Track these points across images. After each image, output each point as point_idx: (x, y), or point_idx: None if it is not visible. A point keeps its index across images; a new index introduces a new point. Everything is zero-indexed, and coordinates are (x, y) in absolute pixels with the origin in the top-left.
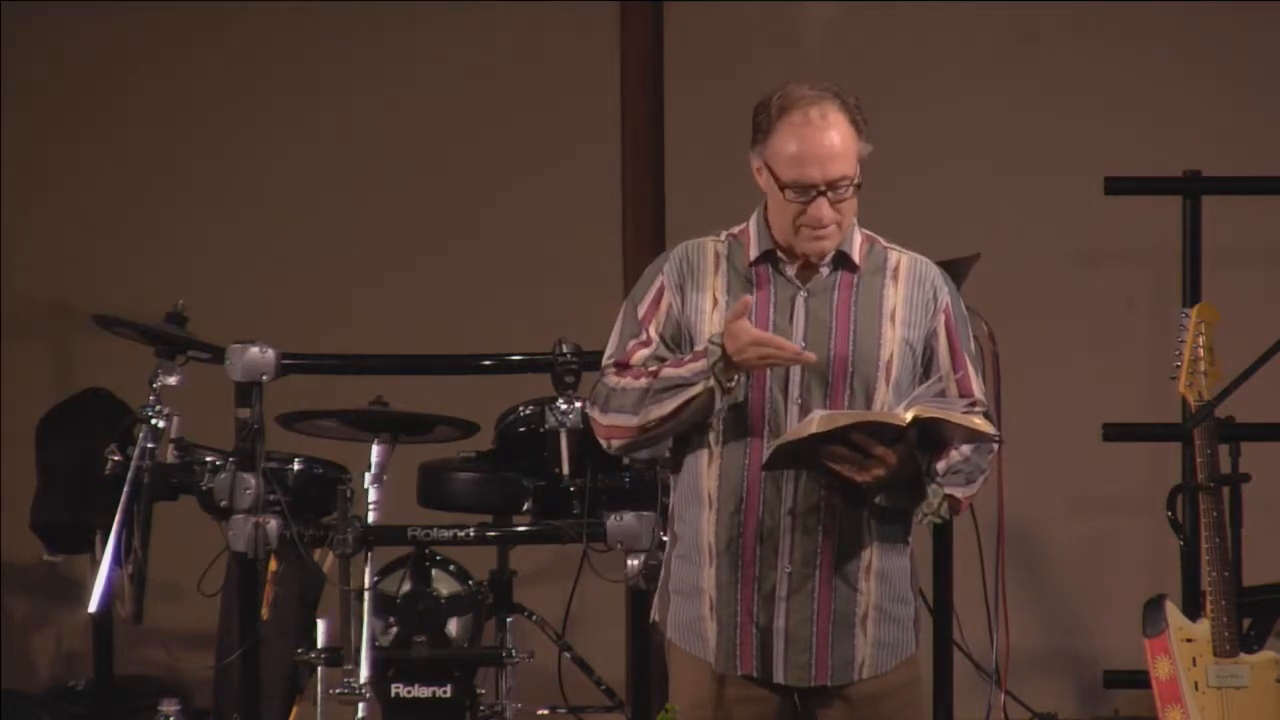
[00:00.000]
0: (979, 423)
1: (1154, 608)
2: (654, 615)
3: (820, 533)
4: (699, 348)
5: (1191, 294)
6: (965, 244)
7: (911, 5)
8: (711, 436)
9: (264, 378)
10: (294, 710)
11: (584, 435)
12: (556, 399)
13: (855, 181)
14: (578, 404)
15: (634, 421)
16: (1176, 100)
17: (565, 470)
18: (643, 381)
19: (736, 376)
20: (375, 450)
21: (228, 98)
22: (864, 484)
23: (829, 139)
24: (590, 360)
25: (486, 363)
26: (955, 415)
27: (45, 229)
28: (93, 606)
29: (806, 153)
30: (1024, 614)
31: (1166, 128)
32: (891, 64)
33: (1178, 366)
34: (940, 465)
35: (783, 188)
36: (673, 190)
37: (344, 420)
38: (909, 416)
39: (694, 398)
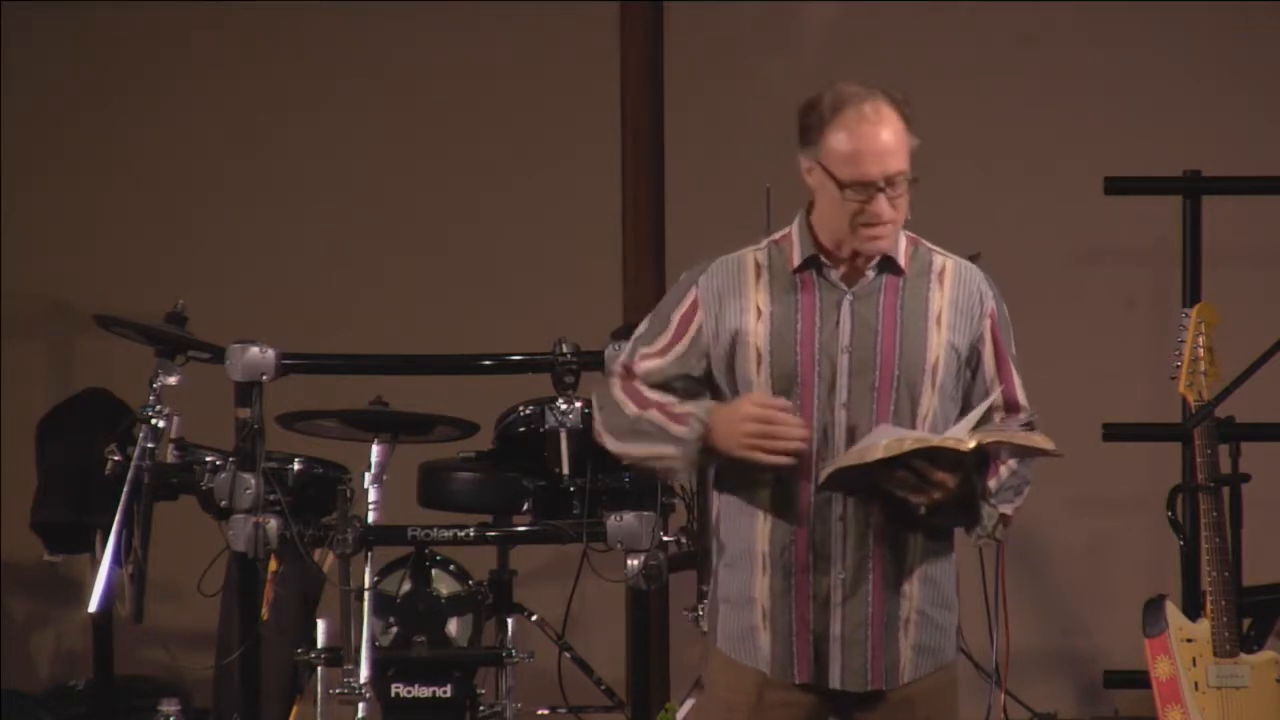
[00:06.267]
0: (1039, 440)
1: (1154, 608)
2: (704, 625)
3: (871, 537)
4: (693, 407)
5: (1191, 294)
6: (965, 244)
7: (911, 5)
8: None
9: (264, 378)
10: (294, 710)
11: (584, 435)
12: (556, 399)
13: (910, 176)
14: (578, 404)
15: (615, 447)
16: (1176, 100)
17: (565, 470)
18: (632, 411)
19: (716, 457)
20: (375, 450)
21: (227, 98)
22: (920, 505)
23: (885, 135)
24: (590, 360)
25: (486, 363)
26: (1017, 435)
27: (45, 229)
28: (93, 606)
29: (864, 150)
30: (1024, 614)
31: (1166, 128)
32: (891, 64)
33: (1178, 366)
34: (991, 484)
35: (842, 187)
36: (673, 190)
37: (344, 420)
38: (972, 444)
39: (665, 457)
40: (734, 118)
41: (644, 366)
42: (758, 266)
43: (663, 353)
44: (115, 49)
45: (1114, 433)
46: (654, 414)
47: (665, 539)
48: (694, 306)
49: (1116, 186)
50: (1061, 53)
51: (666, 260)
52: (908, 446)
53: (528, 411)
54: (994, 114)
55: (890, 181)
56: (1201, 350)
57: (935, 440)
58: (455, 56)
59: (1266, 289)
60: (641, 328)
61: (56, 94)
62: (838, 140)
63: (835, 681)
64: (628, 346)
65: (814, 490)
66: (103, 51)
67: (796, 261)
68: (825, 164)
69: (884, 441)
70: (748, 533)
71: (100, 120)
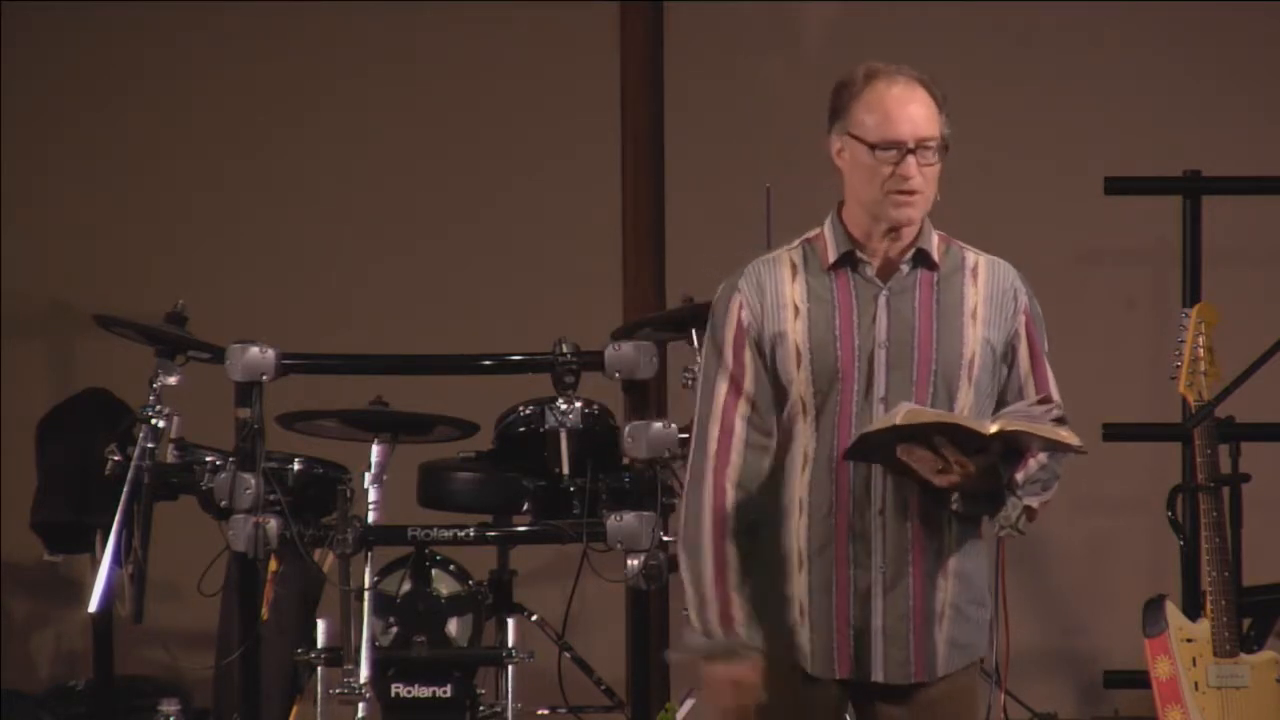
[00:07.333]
0: (1065, 435)
1: (1154, 608)
2: None
3: (909, 529)
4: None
5: (1191, 294)
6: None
7: (911, 5)
8: (805, 443)
9: (264, 378)
10: (294, 710)
11: (584, 435)
12: (556, 399)
13: (942, 143)
14: (578, 404)
15: (682, 559)
16: (1176, 100)
17: (565, 470)
18: (701, 551)
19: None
20: (375, 450)
21: (227, 97)
22: (939, 487)
23: (915, 105)
24: (590, 360)
25: (486, 363)
26: (1043, 428)
27: (45, 229)
28: (93, 606)
29: (894, 112)
30: (1024, 614)
31: (1166, 128)
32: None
33: (1178, 366)
34: (1019, 476)
35: (872, 148)
36: (673, 190)
37: (344, 420)
38: (994, 429)
39: (693, 618)
40: (734, 118)
41: (739, 428)
42: (793, 265)
43: (740, 386)
44: (115, 49)
45: (1114, 433)
46: (714, 591)
47: (665, 539)
48: (741, 314)
49: (1116, 186)
50: (1061, 53)
51: (666, 260)
52: (927, 418)
53: (528, 411)
54: (994, 114)
55: (921, 144)
56: (1201, 350)
57: (955, 418)
58: (455, 56)
59: (1266, 289)
60: (703, 374)
61: (56, 94)
62: (868, 106)
63: (878, 674)
64: (703, 401)
65: (851, 479)
66: (103, 51)
67: (831, 258)
68: (855, 132)
69: (904, 409)
70: (788, 529)
71: (100, 120)
